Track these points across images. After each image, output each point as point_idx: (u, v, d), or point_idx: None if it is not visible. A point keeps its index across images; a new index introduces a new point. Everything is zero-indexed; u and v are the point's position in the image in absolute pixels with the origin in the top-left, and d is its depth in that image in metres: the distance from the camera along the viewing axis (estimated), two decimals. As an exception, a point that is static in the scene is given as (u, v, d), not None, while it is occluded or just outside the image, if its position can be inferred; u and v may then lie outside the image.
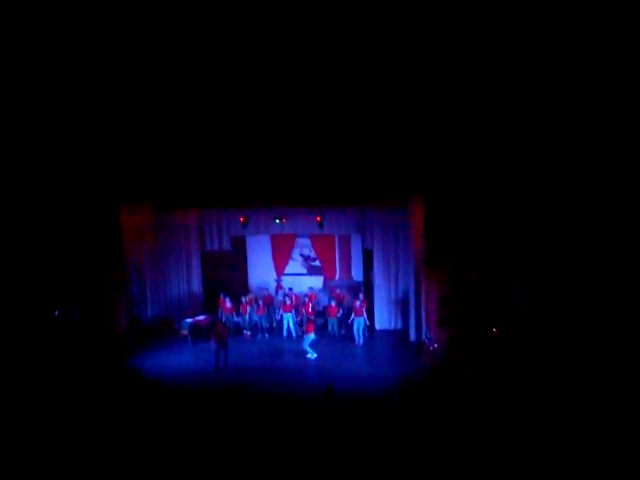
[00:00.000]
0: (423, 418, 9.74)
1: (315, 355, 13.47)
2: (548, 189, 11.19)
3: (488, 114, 10.78)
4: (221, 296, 15.71)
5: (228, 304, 15.53)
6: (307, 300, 15.61)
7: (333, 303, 15.13)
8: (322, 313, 15.83)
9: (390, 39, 9.54)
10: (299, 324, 15.43)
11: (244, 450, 8.70)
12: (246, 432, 9.34)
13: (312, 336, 13.58)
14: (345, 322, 15.30)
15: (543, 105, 10.28)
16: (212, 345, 13.00)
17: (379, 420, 9.78)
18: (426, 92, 10.60)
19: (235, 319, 15.71)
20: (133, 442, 8.98)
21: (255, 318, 15.84)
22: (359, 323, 14.66)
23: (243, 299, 15.69)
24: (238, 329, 15.80)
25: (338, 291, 16.27)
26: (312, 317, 14.95)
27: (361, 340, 14.68)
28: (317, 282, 17.55)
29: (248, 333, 15.72)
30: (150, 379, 10.99)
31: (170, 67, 10.43)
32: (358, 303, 14.74)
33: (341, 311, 15.36)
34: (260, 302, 15.81)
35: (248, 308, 15.66)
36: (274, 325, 15.78)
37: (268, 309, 15.92)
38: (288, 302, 15.37)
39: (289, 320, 15.33)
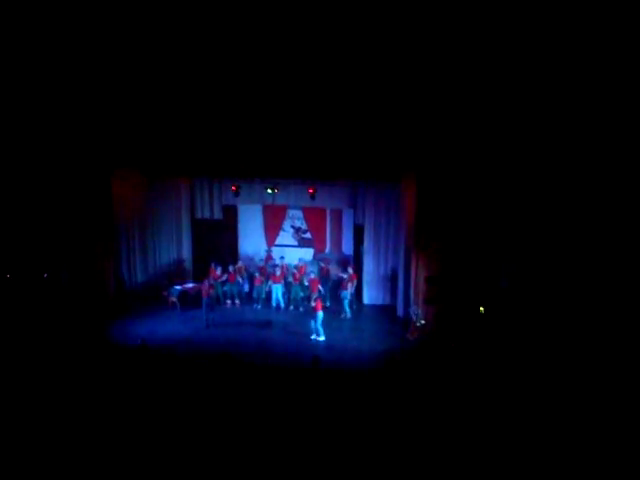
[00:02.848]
0: (407, 392, 9.94)
1: (324, 338, 12.99)
2: (540, 170, 11.22)
3: (480, 93, 10.69)
4: (212, 265, 15.71)
5: (218, 272, 15.52)
6: (296, 271, 15.62)
7: (313, 276, 15.17)
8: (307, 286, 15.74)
9: (387, 18, 9.37)
10: (285, 295, 15.51)
11: (230, 417, 8.85)
12: (231, 399, 9.49)
13: (321, 314, 13.00)
14: (331, 295, 15.36)
15: (536, 87, 10.21)
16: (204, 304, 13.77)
17: (363, 392, 9.97)
18: (420, 71, 10.47)
19: (223, 287, 15.74)
20: (119, 407, 9.10)
21: (245, 288, 15.92)
22: (345, 296, 14.76)
23: (231, 268, 15.66)
24: (225, 297, 15.85)
25: (322, 264, 16.29)
26: (319, 294, 14.09)
27: (348, 314, 14.81)
28: (307, 254, 17.61)
29: (237, 302, 15.75)
30: (138, 344, 11.05)
31: (162, 35, 10.19)
32: (345, 277, 14.80)
33: (322, 285, 15.24)
34: (257, 273, 15.76)
35: (237, 277, 15.68)
36: (262, 296, 15.80)
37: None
38: (278, 272, 15.41)
39: (278, 291, 15.39)
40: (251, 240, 18.12)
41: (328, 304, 15.27)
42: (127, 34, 10.17)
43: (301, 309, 15.22)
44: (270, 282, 15.49)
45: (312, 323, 13.10)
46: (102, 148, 12.99)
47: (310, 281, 14.99)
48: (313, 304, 13.29)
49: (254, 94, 11.41)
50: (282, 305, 15.45)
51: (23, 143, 12.28)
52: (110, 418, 8.65)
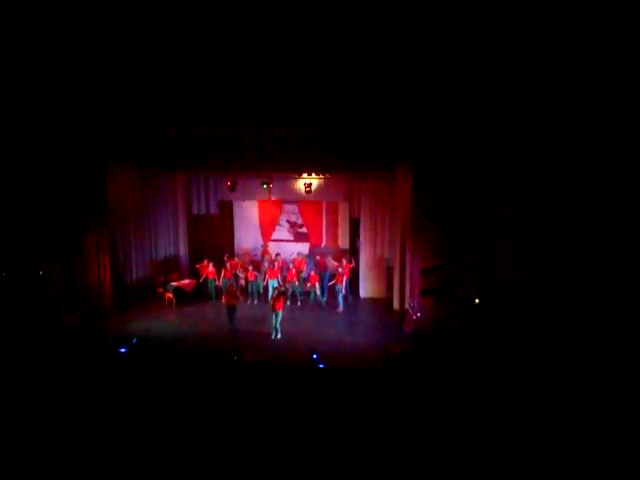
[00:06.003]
0: (405, 387, 9.90)
1: (280, 336, 12.76)
2: (536, 157, 11.13)
3: (474, 80, 10.56)
4: (205, 261, 15.63)
5: (211, 268, 15.45)
6: (292, 266, 15.45)
7: (313, 271, 15.11)
8: (306, 280, 15.68)
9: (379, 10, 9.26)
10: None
11: (225, 416, 8.81)
12: (228, 396, 9.45)
13: (281, 313, 12.72)
14: (326, 288, 15.30)
15: (528, 74, 10.09)
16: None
17: (361, 387, 9.93)
18: (412, 61, 10.35)
19: (216, 284, 15.59)
20: (113, 406, 9.06)
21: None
22: (340, 290, 14.72)
23: (228, 264, 15.56)
24: (220, 294, 15.52)
25: (317, 257, 16.22)
26: (283, 290, 13.80)
27: (341, 307, 14.74)
28: (303, 249, 17.54)
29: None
30: (133, 342, 11.03)
31: (155, 30, 10.07)
32: (340, 270, 14.77)
33: (320, 279, 15.14)
34: (250, 267, 15.60)
35: (234, 273, 15.56)
36: (260, 291, 15.73)
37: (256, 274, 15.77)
38: (275, 267, 15.30)
39: (274, 286, 15.27)
40: (247, 235, 18.07)
41: (324, 299, 15.21)
42: (120, 30, 10.07)
43: (299, 304, 15.16)
44: (266, 277, 15.35)
45: (272, 322, 12.74)
46: (96, 143, 12.91)
47: (310, 276, 14.94)
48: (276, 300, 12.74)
49: (248, 87, 11.31)
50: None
51: (16, 138, 12.20)
52: (104, 417, 8.62)
